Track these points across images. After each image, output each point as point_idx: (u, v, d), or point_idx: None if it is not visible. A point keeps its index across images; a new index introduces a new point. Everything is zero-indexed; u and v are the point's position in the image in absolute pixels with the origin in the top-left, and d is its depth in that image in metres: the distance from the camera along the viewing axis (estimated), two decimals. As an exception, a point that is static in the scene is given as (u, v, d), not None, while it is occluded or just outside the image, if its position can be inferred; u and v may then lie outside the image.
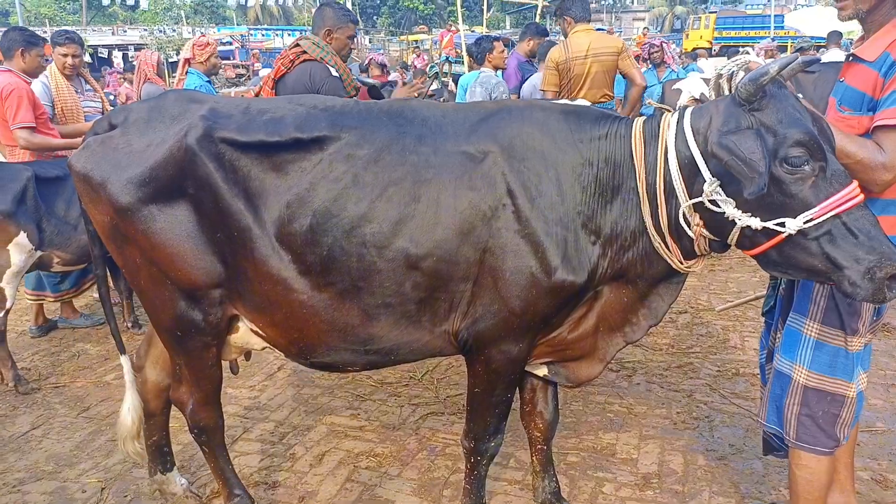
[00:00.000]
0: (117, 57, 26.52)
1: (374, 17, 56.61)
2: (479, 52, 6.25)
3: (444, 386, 3.85)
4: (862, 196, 1.73)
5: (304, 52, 3.67)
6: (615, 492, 2.85)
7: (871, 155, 1.90)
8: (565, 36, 5.28)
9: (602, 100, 5.11)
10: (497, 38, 6.49)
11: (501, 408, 2.29)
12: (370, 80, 7.43)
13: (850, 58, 2.10)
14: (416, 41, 30.73)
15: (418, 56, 17.43)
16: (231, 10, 46.99)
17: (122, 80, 11.67)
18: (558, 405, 2.65)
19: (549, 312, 2.06)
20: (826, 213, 1.68)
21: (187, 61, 5.32)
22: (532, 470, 2.72)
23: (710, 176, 1.80)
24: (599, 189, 2.00)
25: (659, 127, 1.96)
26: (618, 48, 5.12)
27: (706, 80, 2.08)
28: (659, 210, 1.95)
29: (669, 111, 2.00)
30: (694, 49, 21.84)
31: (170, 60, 19.69)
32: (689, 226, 1.91)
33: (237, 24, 41.31)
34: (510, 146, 2.01)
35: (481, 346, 2.12)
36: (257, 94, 3.87)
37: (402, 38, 38.16)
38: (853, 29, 17.83)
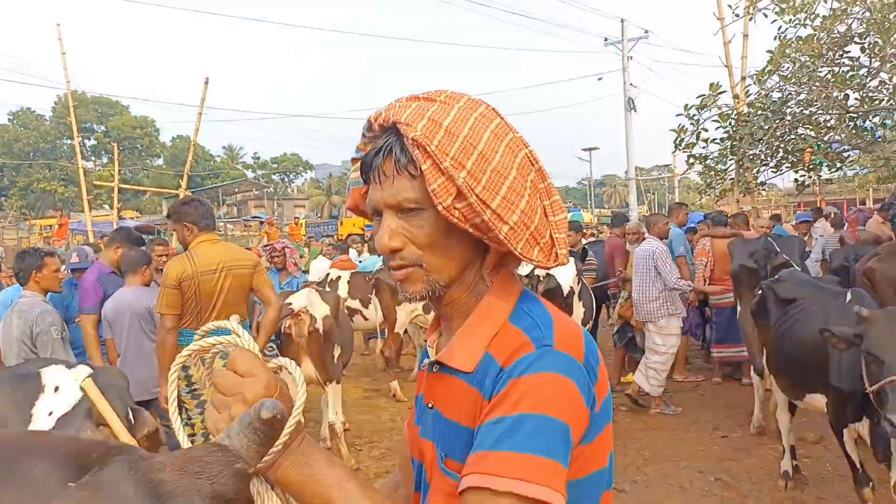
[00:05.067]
0: None
1: (2, 199, 49.67)
2: (21, 270, 4.75)
3: None
4: None
5: None
6: None
7: None
8: (185, 246, 4.26)
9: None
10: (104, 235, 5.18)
11: None
12: None
13: None
14: (48, 225, 28.24)
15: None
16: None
17: None
18: None
19: None
20: None
21: None
22: None
23: None
24: None
25: None
26: (253, 262, 4.30)
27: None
28: None
29: None
30: (349, 235, 22.73)
31: None
32: None
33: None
34: None
35: None
36: None
37: (32, 222, 34.47)
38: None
